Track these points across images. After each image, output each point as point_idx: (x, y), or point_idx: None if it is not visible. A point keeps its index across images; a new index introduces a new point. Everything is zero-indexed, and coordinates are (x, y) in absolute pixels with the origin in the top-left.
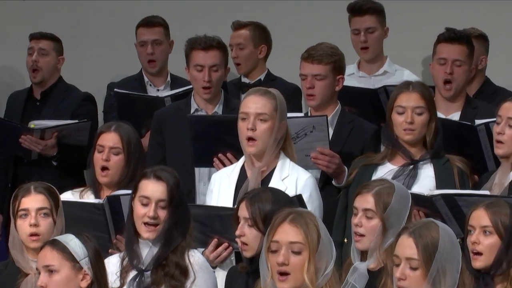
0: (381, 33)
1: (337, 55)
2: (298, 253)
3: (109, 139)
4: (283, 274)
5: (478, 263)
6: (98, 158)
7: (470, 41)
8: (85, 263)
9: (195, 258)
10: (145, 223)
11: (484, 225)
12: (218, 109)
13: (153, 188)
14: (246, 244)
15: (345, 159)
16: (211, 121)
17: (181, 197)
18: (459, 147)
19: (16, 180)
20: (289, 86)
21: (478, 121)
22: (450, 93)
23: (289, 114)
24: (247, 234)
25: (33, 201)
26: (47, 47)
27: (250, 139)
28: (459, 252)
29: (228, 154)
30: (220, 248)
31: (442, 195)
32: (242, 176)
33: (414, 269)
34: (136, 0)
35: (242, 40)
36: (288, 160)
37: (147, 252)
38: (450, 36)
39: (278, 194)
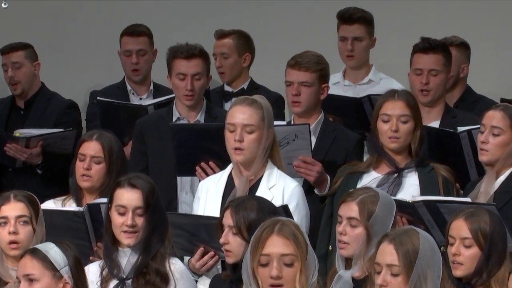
0: (368, 43)
1: (323, 64)
2: (290, 265)
3: (91, 147)
4: (276, 286)
5: (459, 271)
6: (80, 167)
7: (446, 49)
8: (65, 271)
9: (176, 265)
10: (124, 231)
11: (464, 237)
12: (200, 118)
13: (128, 197)
14: (230, 252)
15: (327, 168)
16: (193, 129)
17: (157, 203)
18: (441, 155)
19: (0, 188)
20: (272, 95)
21: (460, 128)
22: (427, 99)
23: None
24: (231, 242)
25: (12, 209)
26: (19, 59)
27: (237, 148)
28: (439, 259)
29: (211, 163)
30: (206, 257)
31: (424, 202)
32: (230, 184)
33: (395, 275)
34: (118, 7)
35: (226, 49)
36: (275, 169)
37: (126, 260)
38: (424, 46)
39: (263, 203)
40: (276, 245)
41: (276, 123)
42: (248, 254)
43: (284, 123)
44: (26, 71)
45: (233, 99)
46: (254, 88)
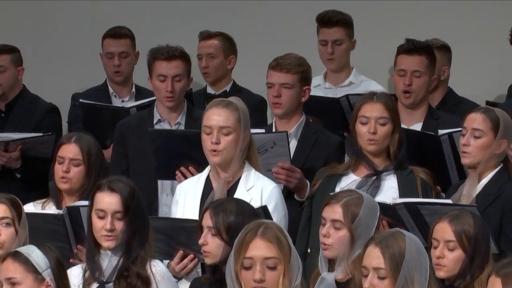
0: (348, 45)
1: (305, 66)
2: (273, 268)
3: (69, 150)
4: None
5: (441, 272)
6: (58, 170)
7: (430, 51)
8: (47, 274)
9: (157, 268)
10: (104, 235)
11: (448, 239)
12: (181, 120)
13: (107, 200)
14: (209, 253)
15: (308, 171)
16: (172, 135)
17: (137, 206)
18: (422, 157)
19: None
20: (254, 97)
21: (441, 131)
22: (410, 101)
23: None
24: (210, 243)
25: None
26: (4, 62)
27: (214, 150)
28: (426, 260)
29: (190, 168)
30: (185, 260)
31: (405, 204)
32: (208, 186)
33: (382, 278)
34: (100, 9)
35: (213, 50)
36: (253, 171)
37: (107, 263)
38: (408, 48)
39: (243, 205)
40: (259, 248)
41: (254, 131)
42: (232, 257)
43: (262, 130)
44: (10, 75)
45: None
46: (237, 90)
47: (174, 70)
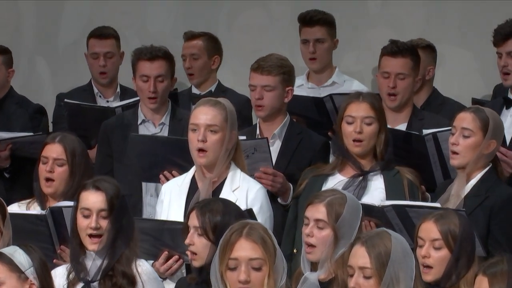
0: (330, 44)
1: (287, 67)
2: (258, 269)
3: (53, 150)
4: None
5: (429, 276)
6: (42, 170)
7: (415, 52)
8: (30, 273)
9: (143, 267)
10: (89, 235)
11: (433, 238)
12: (165, 120)
13: (92, 199)
14: (195, 254)
15: (293, 171)
16: (154, 141)
17: (122, 206)
18: (406, 157)
19: None
20: (239, 98)
21: (426, 131)
22: (395, 104)
23: None
24: (197, 244)
25: None
26: None
27: (200, 150)
28: (412, 260)
29: (174, 172)
30: (170, 261)
31: (394, 206)
32: (193, 187)
33: (367, 278)
34: (86, 9)
35: (197, 50)
36: (238, 171)
37: (92, 263)
38: (392, 50)
39: (229, 206)
40: (244, 249)
41: None
42: (217, 257)
43: (243, 137)
44: (0, 77)
45: None
46: (222, 91)
47: (156, 71)
